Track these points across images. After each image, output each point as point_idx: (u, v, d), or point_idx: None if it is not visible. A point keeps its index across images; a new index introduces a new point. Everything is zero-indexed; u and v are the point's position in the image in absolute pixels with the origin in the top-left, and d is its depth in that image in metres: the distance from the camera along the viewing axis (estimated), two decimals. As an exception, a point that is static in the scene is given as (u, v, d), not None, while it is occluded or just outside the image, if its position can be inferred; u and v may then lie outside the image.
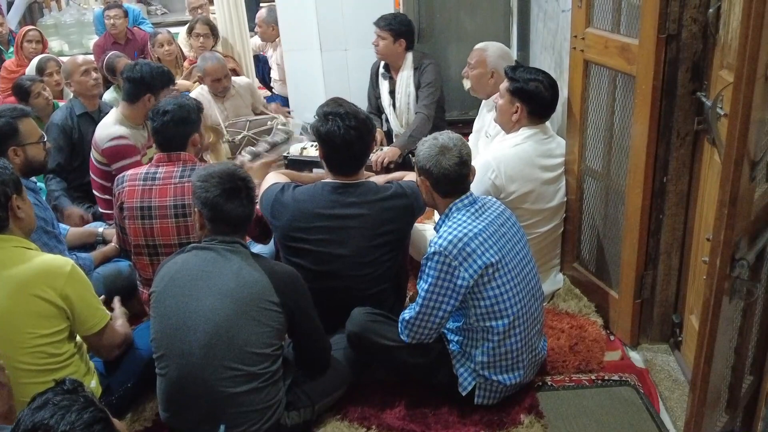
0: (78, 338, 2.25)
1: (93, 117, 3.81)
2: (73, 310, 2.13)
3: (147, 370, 2.33)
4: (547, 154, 2.83)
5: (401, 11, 4.65)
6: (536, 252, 2.64)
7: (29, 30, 5.48)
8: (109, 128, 3.39)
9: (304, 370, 2.33)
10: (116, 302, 2.52)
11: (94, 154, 3.44)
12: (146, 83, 3.31)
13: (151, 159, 3.46)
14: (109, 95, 4.47)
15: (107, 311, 2.29)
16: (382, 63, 4.13)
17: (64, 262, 2.14)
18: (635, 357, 2.63)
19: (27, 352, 2.06)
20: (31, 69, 4.66)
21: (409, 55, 4.02)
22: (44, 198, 3.48)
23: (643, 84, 2.33)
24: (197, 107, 2.77)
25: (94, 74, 3.84)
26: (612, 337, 2.74)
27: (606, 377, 2.52)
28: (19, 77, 4.44)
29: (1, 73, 5.43)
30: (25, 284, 2.06)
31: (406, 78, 4.04)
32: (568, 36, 2.89)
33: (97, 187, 3.50)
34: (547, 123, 2.89)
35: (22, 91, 4.12)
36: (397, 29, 3.95)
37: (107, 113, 3.71)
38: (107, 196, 3.47)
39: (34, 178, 2.86)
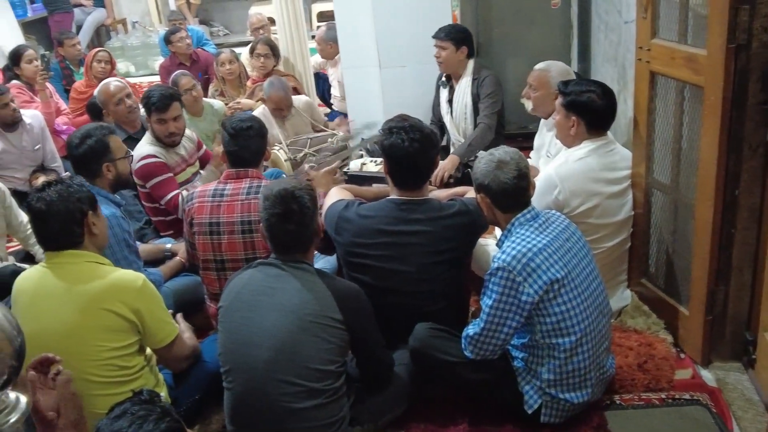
0: (148, 351, 2.30)
1: (137, 139, 3.92)
2: (144, 324, 2.18)
3: (214, 382, 2.36)
4: (612, 167, 2.78)
5: (459, 26, 4.67)
6: (602, 267, 2.58)
7: (99, 51, 5.67)
8: (140, 148, 3.53)
9: (366, 385, 2.33)
10: (179, 318, 2.57)
11: (135, 179, 3.52)
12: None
13: (188, 178, 3.56)
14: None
15: (176, 325, 2.35)
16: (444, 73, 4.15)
17: (135, 276, 2.20)
18: (706, 376, 2.55)
19: (98, 365, 2.11)
20: (100, 90, 4.83)
21: (470, 64, 4.04)
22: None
23: (711, 95, 2.28)
24: (264, 124, 2.86)
25: (128, 101, 3.96)
26: (682, 355, 2.66)
27: (676, 396, 2.45)
28: (90, 98, 4.61)
29: (72, 94, 5.65)
30: (97, 298, 2.12)
31: (464, 86, 4.04)
32: (631, 47, 2.85)
33: (149, 210, 3.60)
34: (610, 134, 2.85)
35: (96, 110, 4.27)
36: (457, 37, 3.97)
37: None
38: (160, 217, 3.58)
39: (118, 194, 2.96)
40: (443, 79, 4.17)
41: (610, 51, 3.75)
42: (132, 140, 3.90)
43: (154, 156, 3.48)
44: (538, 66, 3.30)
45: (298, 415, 2.07)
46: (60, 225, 2.15)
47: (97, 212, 2.27)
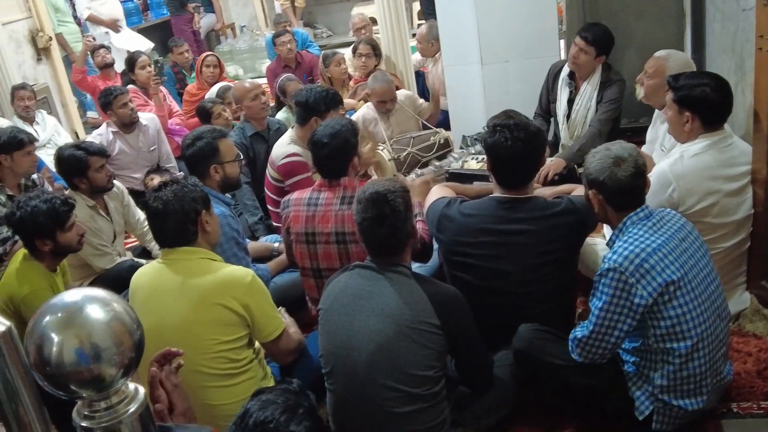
0: (256, 344, 2.37)
1: (263, 136, 4.06)
2: (253, 318, 2.24)
3: (319, 377, 2.40)
4: (730, 163, 2.63)
5: (564, 19, 4.56)
6: (720, 269, 2.45)
7: (208, 56, 5.93)
8: (284, 147, 3.60)
9: (467, 387, 2.32)
10: (283, 312, 2.63)
11: (269, 171, 3.65)
12: (310, 107, 3.50)
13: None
14: (281, 115, 4.73)
15: (283, 319, 2.41)
16: (567, 69, 3.92)
17: (245, 272, 2.27)
18: (833, 385, 2.39)
19: (210, 358, 2.18)
20: (211, 93, 5.03)
21: (599, 69, 3.82)
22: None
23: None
24: (353, 130, 2.80)
25: (262, 98, 4.08)
26: (806, 363, 2.50)
27: (800, 407, 2.31)
28: (201, 100, 4.82)
29: (184, 97, 5.93)
30: (209, 294, 2.20)
31: (590, 91, 3.83)
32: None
33: (271, 202, 3.71)
34: (728, 128, 2.70)
35: (204, 113, 4.47)
36: (603, 45, 3.72)
37: (276, 129, 3.90)
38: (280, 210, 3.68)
39: (228, 194, 3.07)
40: (567, 78, 3.93)
41: (726, 41, 3.56)
42: (259, 137, 4.05)
43: (298, 155, 3.56)
44: (658, 53, 3.16)
45: (399, 419, 2.08)
46: (175, 223, 2.25)
47: (210, 211, 2.36)
